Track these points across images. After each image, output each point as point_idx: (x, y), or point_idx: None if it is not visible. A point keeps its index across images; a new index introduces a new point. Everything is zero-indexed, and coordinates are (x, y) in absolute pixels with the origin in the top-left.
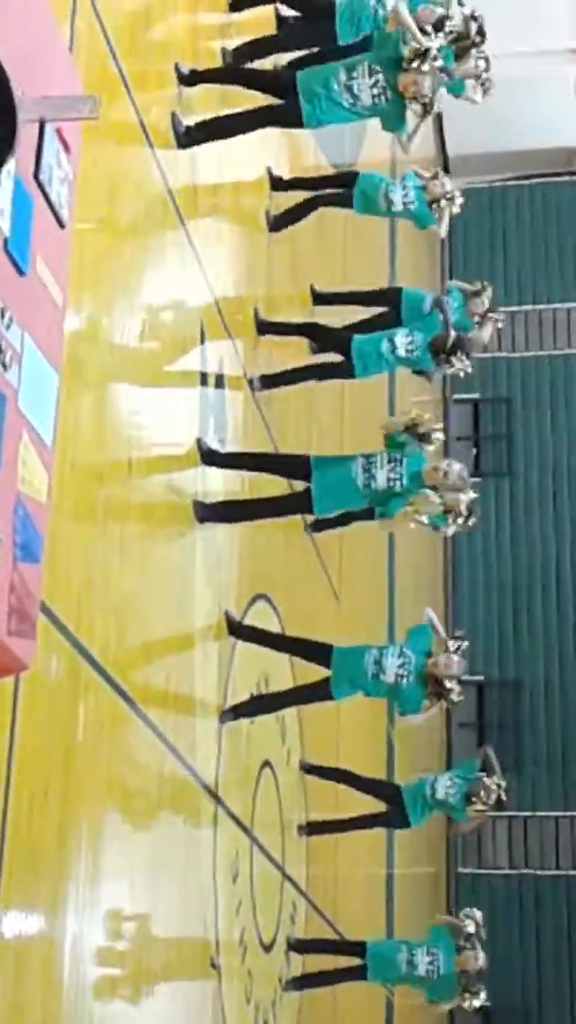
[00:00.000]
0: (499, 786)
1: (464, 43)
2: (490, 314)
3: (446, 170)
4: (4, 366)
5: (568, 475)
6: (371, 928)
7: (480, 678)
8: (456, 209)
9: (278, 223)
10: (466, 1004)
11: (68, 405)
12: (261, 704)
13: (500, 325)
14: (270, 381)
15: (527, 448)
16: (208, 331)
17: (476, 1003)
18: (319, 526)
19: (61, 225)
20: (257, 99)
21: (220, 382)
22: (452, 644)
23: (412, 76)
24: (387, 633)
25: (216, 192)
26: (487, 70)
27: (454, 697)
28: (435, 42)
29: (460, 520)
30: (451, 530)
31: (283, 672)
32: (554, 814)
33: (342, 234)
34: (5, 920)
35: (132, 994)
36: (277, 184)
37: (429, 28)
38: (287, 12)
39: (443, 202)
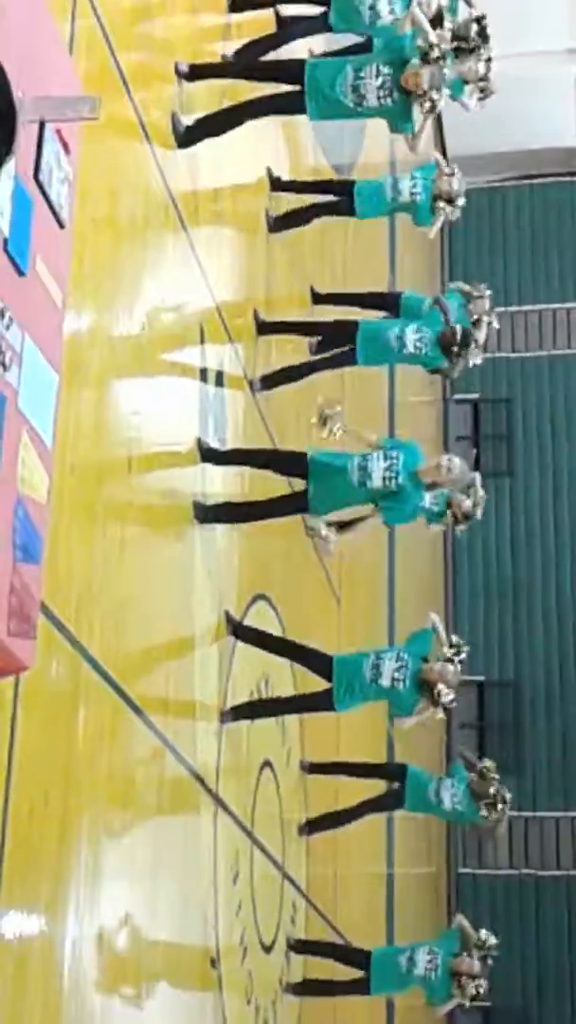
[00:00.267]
0: (490, 773)
1: (464, 44)
2: (485, 316)
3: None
4: (4, 367)
5: (568, 476)
6: (371, 928)
7: (480, 678)
8: (452, 216)
9: (278, 225)
10: (467, 990)
11: (68, 405)
12: (261, 708)
13: (495, 327)
14: (270, 380)
15: (527, 448)
16: (208, 331)
17: (479, 990)
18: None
19: (61, 225)
20: (258, 93)
21: (220, 382)
22: (451, 651)
23: (413, 70)
24: (387, 634)
25: (216, 192)
26: (486, 77)
27: (445, 703)
28: (443, 39)
29: (460, 520)
30: (448, 528)
31: (283, 673)
32: (554, 814)
33: (342, 234)
34: (5, 920)
35: (132, 994)
36: (277, 184)
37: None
38: (287, 12)
39: (443, 202)
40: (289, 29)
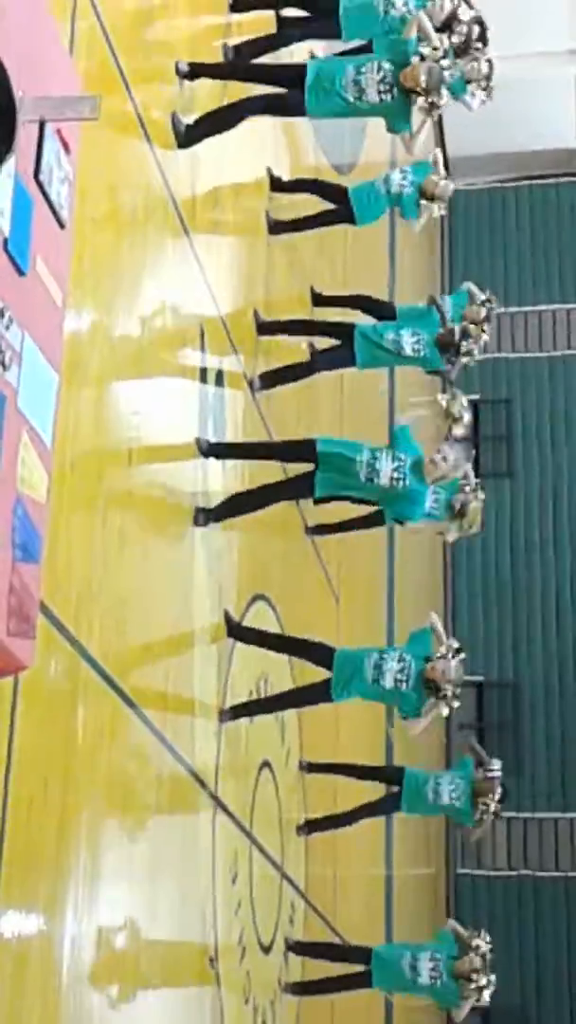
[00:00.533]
0: (498, 775)
1: (465, 46)
2: (473, 325)
3: (446, 170)
4: (4, 366)
5: (568, 476)
6: (370, 929)
7: (480, 679)
8: (435, 215)
9: (279, 226)
10: (478, 989)
11: (68, 405)
12: (260, 705)
13: (482, 340)
14: (269, 380)
15: (527, 449)
16: (207, 331)
17: (489, 987)
18: (320, 529)
19: (61, 225)
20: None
21: (220, 381)
22: (451, 650)
23: (412, 68)
24: (386, 634)
25: (216, 192)
26: (489, 77)
27: (452, 702)
28: (444, 42)
29: (460, 519)
30: (452, 535)
31: (282, 672)
32: (553, 815)
33: (342, 235)
34: (4, 920)
35: (131, 994)
36: (277, 185)
37: (436, 24)
38: (287, 12)
39: (429, 200)
40: (290, 31)
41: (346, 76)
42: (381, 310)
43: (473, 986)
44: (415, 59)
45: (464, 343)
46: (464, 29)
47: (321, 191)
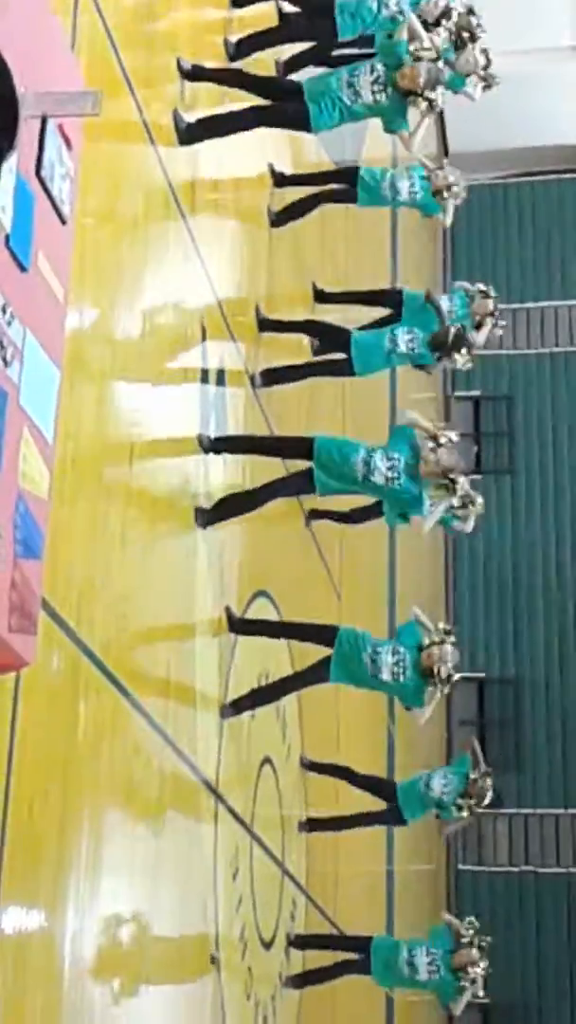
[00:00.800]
0: (486, 778)
1: (460, 38)
2: (488, 317)
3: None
4: (5, 362)
5: (569, 473)
6: (371, 925)
7: (481, 675)
8: (459, 201)
9: (279, 219)
10: (474, 980)
11: (69, 401)
12: (260, 696)
13: (499, 331)
14: (271, 377)
15: (528, 446)
16: (209, 327)
17: (485, 978)
18: (318, 514)
19: (63, 221)
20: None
21: (221, 378)
22: (441, 634)
23: (410, 69)
24: (387, 630)
25: (218, 188)
26: (487, 66)
27: (449, 678)
28: (437, 39)
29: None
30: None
31: (284, 667)
32: (554, 811)
33: (343, 230)
34: (5, 916)
35: (132, 990)
36: (279, 180)
37: (430, 21)
38: (289, 8)
39: (446, 193)
40: (292, 28)
41: (340, 81)
42: (386, 301)
43: (469, 977)
44: (407, 59)
45: (461, 347)
46: (455, 21)
47: (328, 180)
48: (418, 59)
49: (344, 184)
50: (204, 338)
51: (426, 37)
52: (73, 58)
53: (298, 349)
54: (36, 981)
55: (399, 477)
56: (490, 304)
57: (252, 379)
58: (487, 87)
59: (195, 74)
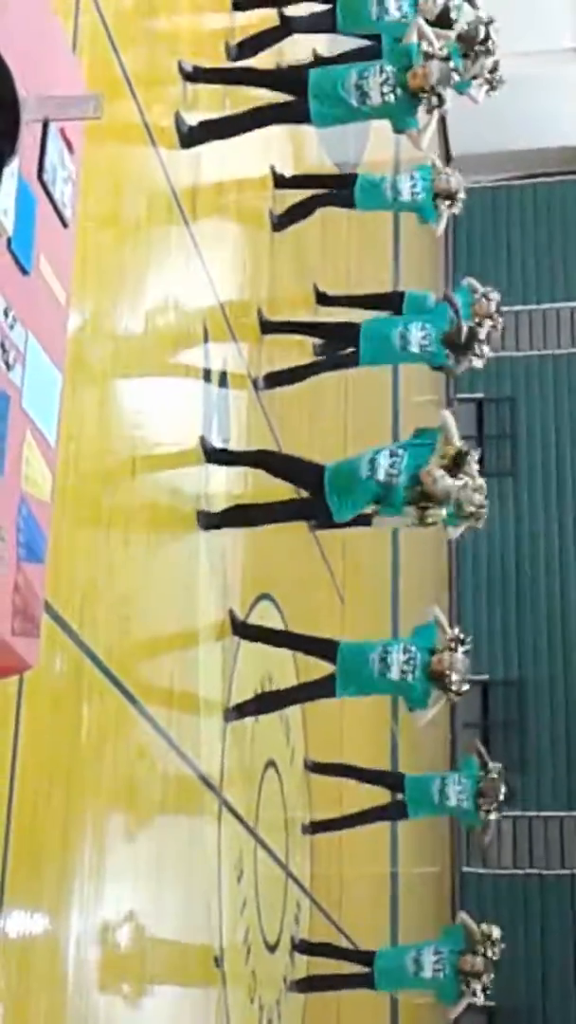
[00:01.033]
0: (500, 776)
1: (472, 45)
2: (487, 319)
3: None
4: (8, 366)
5: (572, 474)
6: (375, 928)
7: (484, 678)
8: (455, 211)
9: (282, 222)
10: (475, 989)
11: (72, 404)
12: (265, 702)
13: (498, 330)
14: (274, 380)
15: (531, 448)
16: (211, 330)
17: (486, 988)
18: (321, 524)
19: (64, 224)
20: (261, 99)
21: (224, 381)
22: (456, 640)
23: (422, 68)
24: (391, 633)
25: (220, 191)
26: (494, 71)
27: (457, 689)
28: (442, 39)
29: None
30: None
31: (287, 671)
32: (559, 814)
33: (345, 233)
34: (9, 919)
35: (136, 993)
36: (281, 182)
37: (431, 20)
38: (290, 11)
39: (446, 200)
40: (294, 23)
41: (348, 81)
42: (388, 303)
43: (471, 989)
44: (419, 59)
45: (474, 346)
46: (468, 28)
47: (328, 183)
48: (429, 57)
49: (343, 189)
50: (206, 340)
51: (435, 40)
52: (74, 60)
53: (301, 352)
54: (40, 985)
55: (399, 474)
56: (491, 306)
57: (255, 382)
58: (491, 90)
59: (196, 76)
